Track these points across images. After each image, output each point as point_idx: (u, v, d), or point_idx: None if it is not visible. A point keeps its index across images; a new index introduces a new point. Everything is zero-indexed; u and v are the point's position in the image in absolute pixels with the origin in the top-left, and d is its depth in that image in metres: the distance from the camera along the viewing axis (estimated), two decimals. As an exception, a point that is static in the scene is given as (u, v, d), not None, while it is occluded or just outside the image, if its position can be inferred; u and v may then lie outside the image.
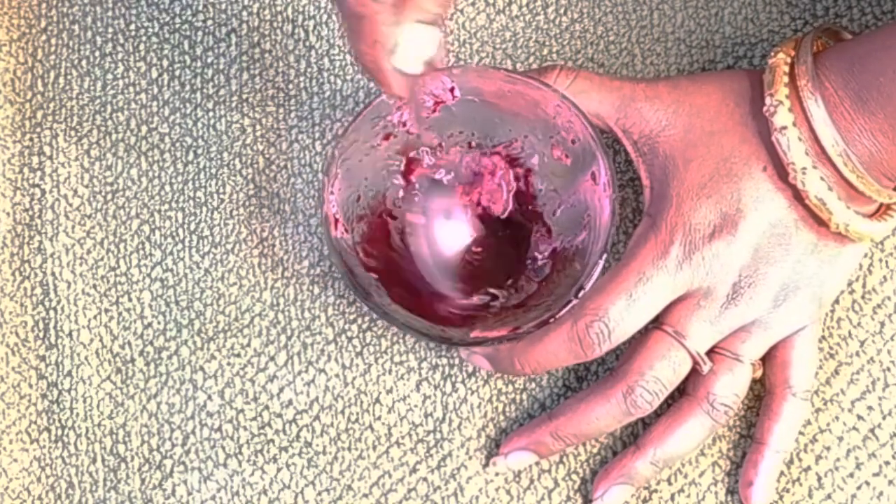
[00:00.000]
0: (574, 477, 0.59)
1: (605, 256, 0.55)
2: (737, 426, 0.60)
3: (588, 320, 0.55)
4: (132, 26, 0.65)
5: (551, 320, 0.55)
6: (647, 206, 0.57)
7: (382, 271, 0.59)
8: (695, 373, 0.57)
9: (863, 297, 0.60)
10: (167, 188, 0.63)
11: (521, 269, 0.60)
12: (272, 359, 0.61)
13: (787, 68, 0.55)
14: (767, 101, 0.54)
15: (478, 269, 0.60)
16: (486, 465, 0.59)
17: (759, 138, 0.55)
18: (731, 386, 0.56)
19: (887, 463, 0.59)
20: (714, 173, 0.55)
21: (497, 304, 0.59)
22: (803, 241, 0.56)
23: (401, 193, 0.60)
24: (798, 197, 0.55)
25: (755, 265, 0.55)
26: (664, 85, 0.58)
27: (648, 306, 0.55)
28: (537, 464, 0.59)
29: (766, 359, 0.58)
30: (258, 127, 0.63)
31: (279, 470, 0.60)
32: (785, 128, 0.54)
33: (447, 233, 0.60)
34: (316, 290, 0.62)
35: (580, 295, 0.55)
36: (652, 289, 0.55)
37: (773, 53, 0.56)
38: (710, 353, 0.57)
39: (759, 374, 0.58)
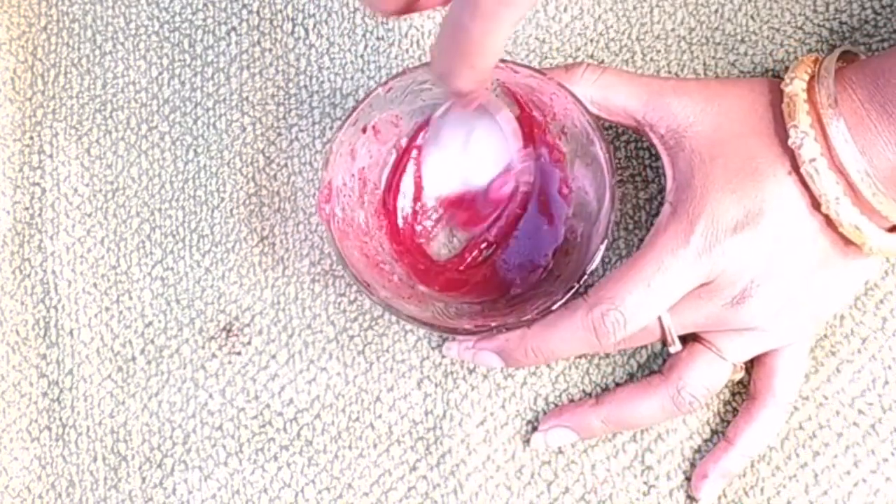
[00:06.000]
0: (573, 468, 0.59)
1: (605, 242, 0.55)
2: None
3: (604, 309, 0.54)
4: (132, 25, 0.65)
5: (553, 307, 0.55)
6: (668, 193, 0.56)
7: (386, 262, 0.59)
8: (674, 355, 0.57)
9: (865, 294, 0.60)
10: (167, 187, 0.63)
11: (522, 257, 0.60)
12: (273, 357, 0.61)
13: (805, 95, 0.54)
14: (792, 133, 0.54)
15: (479, 258, 0.60)
16: (485, 461, 0.59)
17: (786, 144, 0.55)
18: (704, 378, 0.56)
19: (885, 460, 0.58)
20: (740, 171, 0.55)
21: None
22: (817, 253, 0.55)
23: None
24: (817, 205, 0.54)
25: (768, 272, 0.54)
26: (694, 83, 0.57)
27: (666, 296, 0.54)
28: (537, 458, 0.59)
29: (754, 363, 0.58)
30: (258, 125, 0.63)
31: (280, 468, 0.60)
32: (814, 159, 0.53)
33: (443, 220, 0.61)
34: (317, 289, 0.62)
35: (581, 280, 0.55)
36: (670, 278, 0.54)
37: (787, 80, 0.55)
38: (697, 340, 0.57)
39: (738, 376, 0.58)
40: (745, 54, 0.63)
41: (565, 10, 0.64)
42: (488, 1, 0.44)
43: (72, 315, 0.62)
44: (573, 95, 0.56)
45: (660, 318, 0.55)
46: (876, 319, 0.60)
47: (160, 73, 0.64)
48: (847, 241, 0.55)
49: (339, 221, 0.57)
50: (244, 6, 0.65)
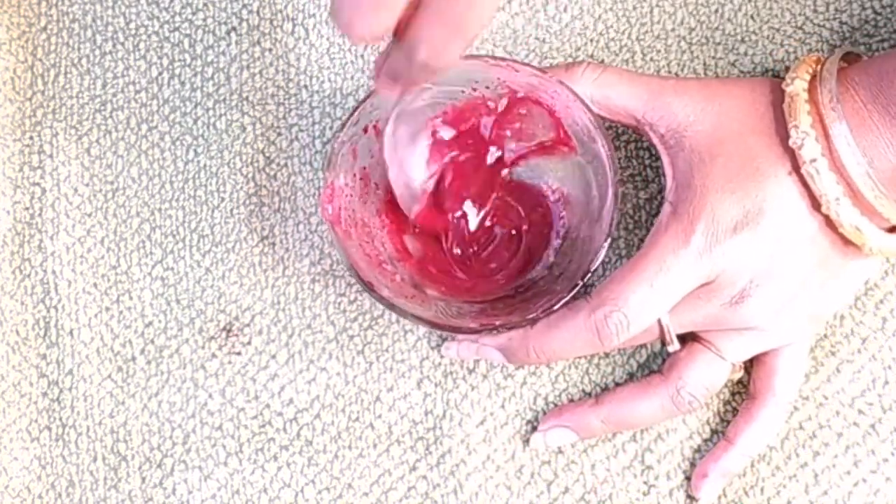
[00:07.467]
0: (573, 468, 0.59)
1: (609, 241, 0.55)
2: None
3: (608, 310, 0.54)
4: (132, 24, 0.65)
5: (557, 306, 0.55)
6: (668, 192, 0.56)
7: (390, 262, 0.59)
8: (674, 355, 0.57)
9: (865, 294, 0.60)
10: (167, 186, 0.63)
11: (526, 255, 0.60)
12: (273, 357, 0.61)
13: (806, 95, 0.54)
14: (793, 133, 0.54)
15: (482, 255, 0.60)
16: (485, 461, 0.59)
17: (787, 144, 0.55)
18: (703, 378, 0.56)
19: (885, 460, 0.58)
20: (740, 170, 0.54)
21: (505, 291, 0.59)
22: (817, 253, 0.55)
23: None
24: (817, 206, 0.54)
25: (768, 272, 0.54)
26: (694, 83, 0.57)
27: (668, 296, 0.54)
28: (537, 457, 0.59)
29: (754, 363, 0.58)
30: (258, 125, 0.63)
31: (279, 468, 0.60)
32: (815, 160, 0.53)
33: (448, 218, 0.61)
34: (317, 289, 0.61)
35: (585, 279, 0.55)
36: (672, 279, 0.54)
37: (789, 80, 0.55)
38: (697, 340, 0.57)
39: (737, 376, 0.58)
40: (745, 54, 0.62)
41: (565, 10, 0.64)
42: None
43: (72, 315, 0.62)
44: (574, 94, 0.56)
45: (658, 318, 0.55)
46: (876, 319, 0.60)
47: (160, 73, 0.64)
48: (847, 242, 0.54)
49: (342, 221, 0.57)
50: (244, 6, 0.65)
